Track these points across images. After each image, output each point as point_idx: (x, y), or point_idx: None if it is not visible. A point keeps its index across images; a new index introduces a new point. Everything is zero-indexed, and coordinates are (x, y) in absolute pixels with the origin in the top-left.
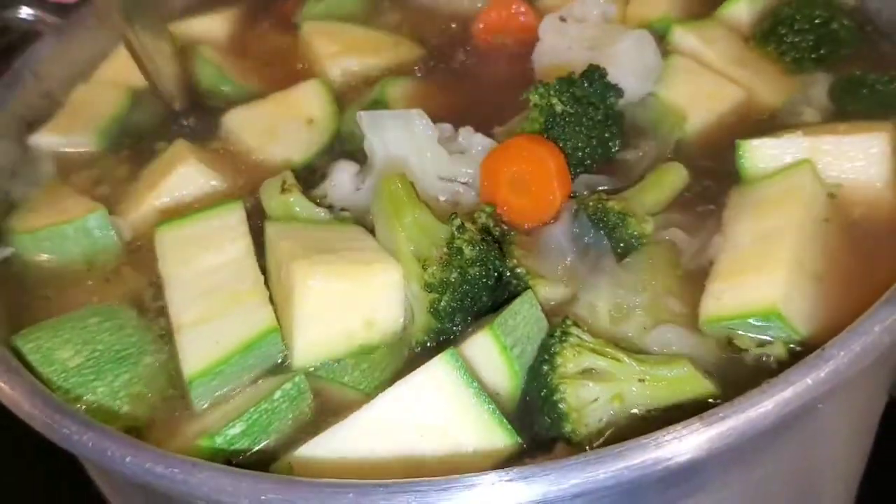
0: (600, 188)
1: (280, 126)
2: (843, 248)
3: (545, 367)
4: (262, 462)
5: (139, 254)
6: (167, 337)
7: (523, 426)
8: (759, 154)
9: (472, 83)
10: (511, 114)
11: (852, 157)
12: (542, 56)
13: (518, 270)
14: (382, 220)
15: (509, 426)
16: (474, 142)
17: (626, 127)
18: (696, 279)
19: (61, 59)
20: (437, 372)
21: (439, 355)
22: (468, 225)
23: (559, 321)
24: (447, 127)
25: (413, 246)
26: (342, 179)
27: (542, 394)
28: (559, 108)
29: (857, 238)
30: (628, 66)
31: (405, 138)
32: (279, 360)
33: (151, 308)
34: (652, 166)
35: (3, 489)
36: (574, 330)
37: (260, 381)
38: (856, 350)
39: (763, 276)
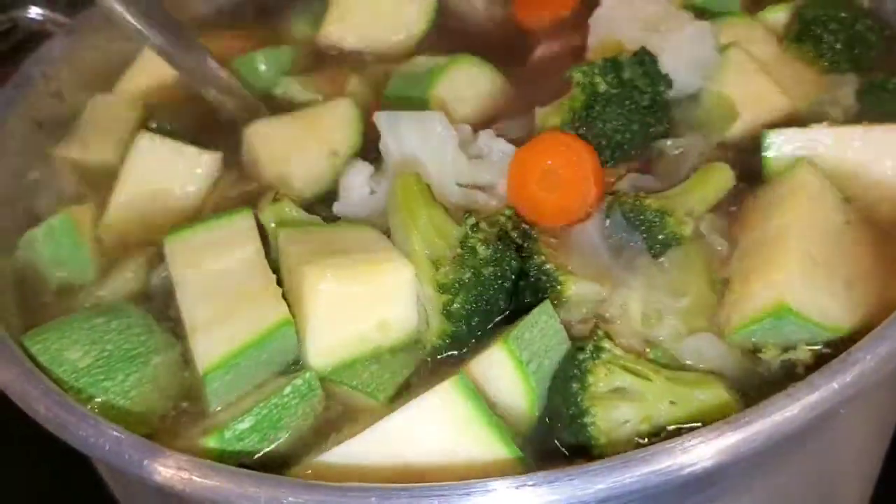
0: (642, 188)
1: (299, 153)
2: (870, 246)
3: (574, 385)
4: (275, 465)
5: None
6: (177, 335)
7: (540, 439)
8: (785, 146)
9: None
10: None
11: (879, 150)
12: (599, 24)
13: (546, 267)
14: (396, 220)
15: (517, 450)
16: (495, 147)
17: (673, 120)
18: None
19: (71, 59)
20: (445, 396)
21: (448, 380)
22: (483, 224)
23: (589, 330)
24: (466, 129)
25: (427, 247)
26: (356, 182)
27: (570, 412)
28: (602, 87)
29: (884, 236)
30: (684, 56)
31: (423, 140)
32: (292, 359)
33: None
34: (694, 165)
35: (12, 488)
36: (606, 344)
37: (271, 382)
38: (882, 354)
39: (771, 276)
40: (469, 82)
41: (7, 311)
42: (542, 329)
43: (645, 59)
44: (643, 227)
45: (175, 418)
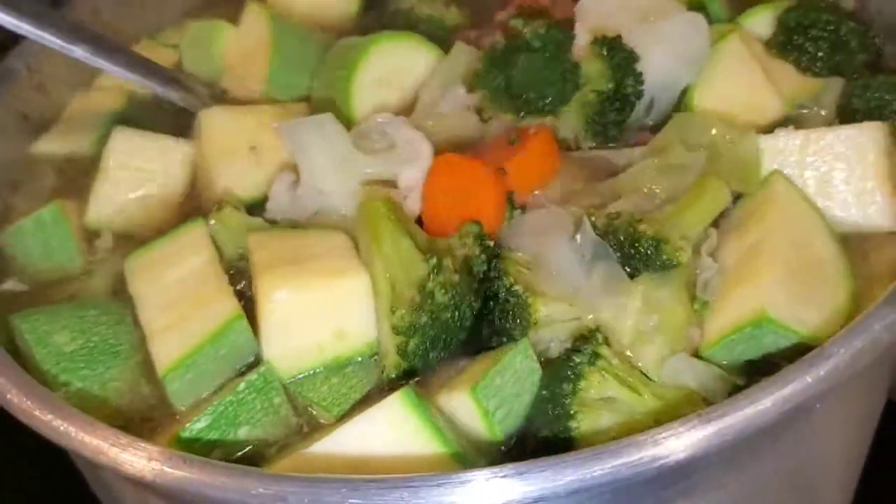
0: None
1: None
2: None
3: (565, 386)
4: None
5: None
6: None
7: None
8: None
9: None
10: None
11: (843, 153)
12: (586, 12)
13: (515, 289)
14: (362, 243)
15: (472, 460)
16: (401, 136)
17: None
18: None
19: (55, 52)
20: (394, 410)
21: (395, 393)
22: (446, 263)
23: (588, 334)
24: (373, 122)
25: (389, 278)
26: (279, 191)
27: (556, 412)
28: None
29: (854, 237)
30: (673, 47)
31: (322, 145)
32: (253, 359)
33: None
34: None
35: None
36: (605, 351)
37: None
38: (856, 347)
39: (748, 287)
40: (404, 65)
41: None
42: (517, 372)
43: (615, 48)
44: (638, 257)
45: (151, 417)
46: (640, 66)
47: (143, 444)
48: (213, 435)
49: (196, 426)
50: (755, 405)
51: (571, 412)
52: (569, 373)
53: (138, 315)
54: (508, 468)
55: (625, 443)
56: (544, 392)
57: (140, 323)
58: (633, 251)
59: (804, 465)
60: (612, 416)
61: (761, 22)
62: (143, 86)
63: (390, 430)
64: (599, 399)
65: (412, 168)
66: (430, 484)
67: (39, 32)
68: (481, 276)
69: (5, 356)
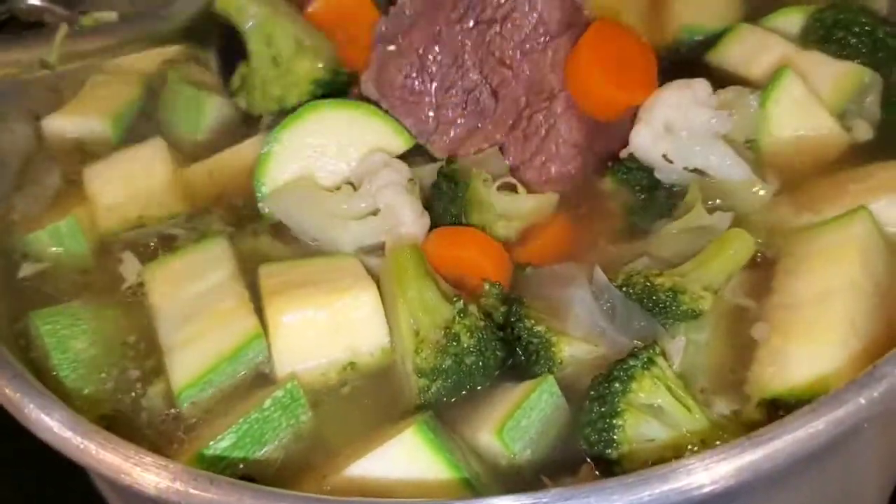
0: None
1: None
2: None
3: (616, 385)
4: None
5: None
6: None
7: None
8: None
9: None
10: None
11: None
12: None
13: (537, 329)
14: (387, 289)
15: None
16: (383, 199)
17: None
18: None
19: (69, 53)
20: (409, 442)
21: (411, 428)
22: (472, 308)
23: (647, 345)
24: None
25: (413, 321)
26: None
27: (602, 409)
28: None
29: None
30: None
31: (309, 210)
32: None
33: None
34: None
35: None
36: (660, 360)
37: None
38: None
39: (815, 345)
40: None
41: None
42: (542, 410)
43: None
44: (656, 310)
45: (166, 431)
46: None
47: (166, 463)
48: (237, 453)
49: (220, 444)
50: (806, 427)
51: (618, 410)
52: (621, 374)
53: (156, 327)
54: (553, 493)
55: (673, 468)
56: (592, 392)
57: (157, 333)
58: (652, 303)
59: (846, 485)
60: (659, 425)
61: (790, 23)
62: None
63: (405, 461)
64: (648, 405)
65: (385, 178)
66: None
67: None
68: (501, 321)
69: (22, 370)
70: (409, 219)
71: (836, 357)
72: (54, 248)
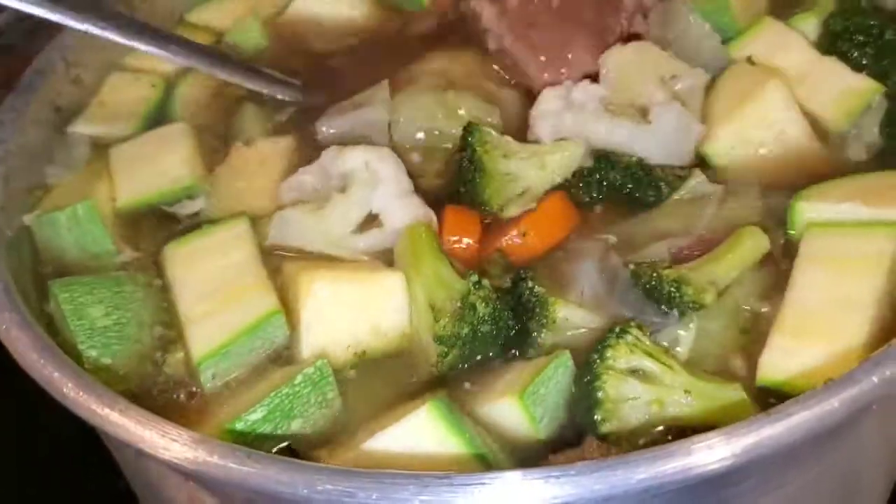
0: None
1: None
2: None
3: (594, 355)
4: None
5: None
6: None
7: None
8: (815, 217)
9: None
10: None
11: None
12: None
13: (537, 290)
14: (402, 265)
15: (501, 462)
16: (353, 165)
17: None
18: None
19: (91, 46)
20: (424, 419)
21: (427, 404)
22: (485, 281)
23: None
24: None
25: (428, 296)
26: None
27: (585, 380)
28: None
29: None
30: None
31: (307, 234)
32: (283, 345)
33: None
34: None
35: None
36: (635, 331)
37: (279, 373)
38: None
39: (834, 348)
40: None
41: (22, 268)
42: (558, 381)
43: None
44: (663, 299)
45: (186, 404)
46: None
47: (202, 438)
48: (266, 427)
49: (251, 417)
50: (822, 405)
51: (597, 374)
52: (598, 346)
53: (176, 300)
54: (567, 469)
55: (695, 441)
56: (581, 371)
57: (176, 307)
58: (657, 293)
59: (855, 465)
60: (640, 384)
61: (806, 27)
62: (231, 80)
63: (421, 436)
64: (627, 369)
65: (380, 193)
66: (482, 481)
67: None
68: (508, 287)
69: (58, 352)
70: (408, 219)
71: (847, 362)
72: (71, 230)
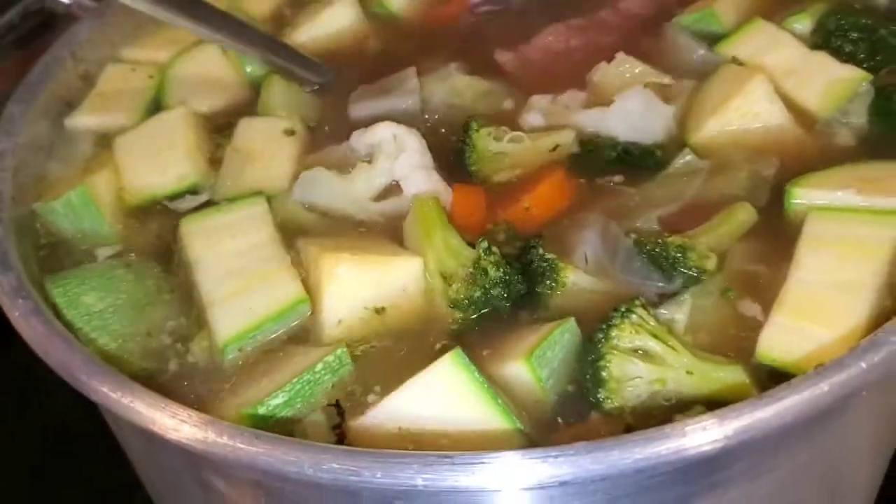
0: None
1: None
2: None
3: (599, 335)
4: None
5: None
6: (192, 302)
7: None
8: (809, 202)
9: None
10: None
11: None
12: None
13: (548, 256)
14: (413, 239)
15: (516, 421)
16: (381, 139)
17: None
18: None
19: (100, 41)
20: (446, 369)
21: (447, 355)
22: (494, 248)
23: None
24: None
25: (440, 265)
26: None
27: (590, 358)
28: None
29: None
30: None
31: (332, 195)
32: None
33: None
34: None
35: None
36: (640, 311)
37: (298, 356)
38: None
39: (832, 330)
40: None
41: (31, 257)
42: (564, 346)
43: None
44: (668, 264)
45: (201, 386)
46: None
47: (211, 420)
48: (287, 412)
49: (273, 402)
50: (812, 389)
51: (602, 353)
52: (603, 325)
53: (197, 278)
54: (567, 448)
55: (689, 423)
56: (585, 347)
57: (196, 286)
58: (662, 258)
59: (842, 454)
60: (644, 364)
61: (800, 27)
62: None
63: (443, 392)
64: (631, 348)
65: (402, 162)
66: (485, 460)
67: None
68: (517, 254)
69: (70, 337)
70: (425, 189)
71: (844, 346)
72: (68, 218)
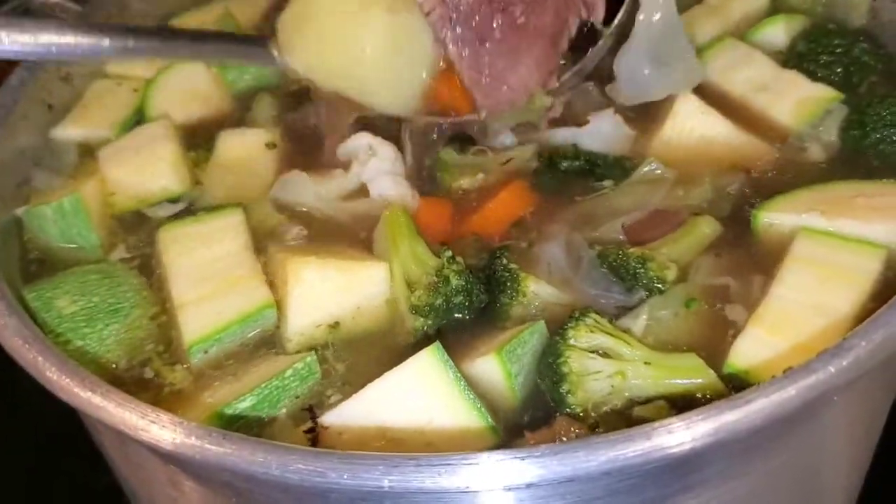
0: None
1: None
2: None
3: (556, 338)
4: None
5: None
6: (164, 306)
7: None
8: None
9: None
10: None
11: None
12: None
13: (511, 266)
14: (381, 247)
15: (488, 418)
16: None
17: None
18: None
19: None
20: (423, 364)
21: (425, 349)
22: (458, 258)
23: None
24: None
25: (405, 273)
26: None
27: (549, 361)
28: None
29: None
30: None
31: (308, 196)
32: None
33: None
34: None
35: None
36: (594, 315)
37: (266, 361)
38: (877, 340)
39: (805, 351)
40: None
41: (10, 260)
42: (532, 346)
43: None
44: (629, 275)
45: (169, 387)
46: None
47: (180, 420)
48: (253, 415)
49: (240, 405)
50: (780, 392)
51: (560, 352)
52: (559, 329)
53: (170, 284)
54: (535, 450)
55: (655, 426)
56: (545, 354)
57: (168, 291)
58: (623, 270)
59: (817, 459)
60: (602, 359)
61: (774, 33)
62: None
63: (419, 385)
64: (588, 347)
65: (372, 166)
66: (461, 462)
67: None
68: (482, 265)
69: (41, 335)
70: (393, 193)
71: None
72: (56, 224)
